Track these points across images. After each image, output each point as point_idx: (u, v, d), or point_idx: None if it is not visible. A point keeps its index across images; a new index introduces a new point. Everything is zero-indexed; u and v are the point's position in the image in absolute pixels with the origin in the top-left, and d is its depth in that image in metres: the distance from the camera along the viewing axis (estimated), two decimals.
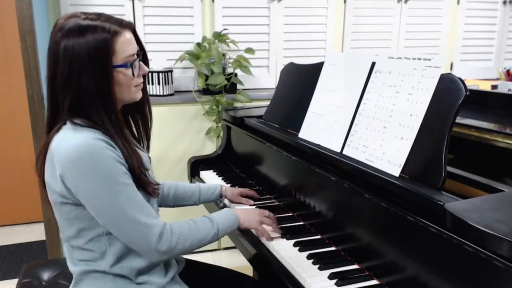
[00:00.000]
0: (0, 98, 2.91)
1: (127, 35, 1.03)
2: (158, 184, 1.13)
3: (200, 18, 2.53)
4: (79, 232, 1.04)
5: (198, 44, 2.47)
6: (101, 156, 0.96)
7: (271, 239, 1.24)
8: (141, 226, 0.99)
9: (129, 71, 1.03)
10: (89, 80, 0.97)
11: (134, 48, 1.05)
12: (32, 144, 2.20)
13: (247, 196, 1.52)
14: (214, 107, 2.44)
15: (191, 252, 1.10)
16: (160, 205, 1.33)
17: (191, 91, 2.50)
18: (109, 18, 1.01)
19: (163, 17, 2.46)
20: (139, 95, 1.10)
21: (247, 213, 1.24)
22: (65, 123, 1.01)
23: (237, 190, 1.52)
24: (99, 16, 1.01)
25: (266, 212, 1.28)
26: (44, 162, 1.03)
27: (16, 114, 2.95)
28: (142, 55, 1.10)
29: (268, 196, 1.57)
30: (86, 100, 0.99)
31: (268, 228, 1.26)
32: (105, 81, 0.99)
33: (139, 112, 1.20)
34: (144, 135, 1.22)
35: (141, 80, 1.09)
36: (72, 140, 0.96)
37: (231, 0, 2.56)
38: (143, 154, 1.13)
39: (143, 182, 1.05)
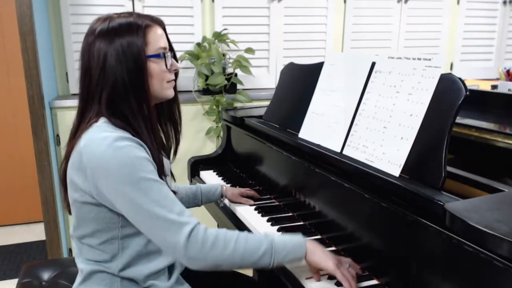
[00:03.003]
0: (0, 98, 2.91)
1: (159, 30, 1.07)
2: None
3: (200, 18, 2.53)
4: (94, 233, 1.04)
5: (198, 44, 2.48)
6: (130, 155, 0.96)
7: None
8: (169, 223, 0.94)
9: (162, 62, 1.05)
10: (123, 71, 1.00)
11: (165, 43, 1.08)
12: (32, 144, 2.20)
13: (247, 196, 1.52)
14: (214, 107, 2.44)
15: (233, 269, 0.96)
16: None
17: (191, 91, 2.50)
18: (140, 15, 1.06)
19: (163, 17, 2.42)
20: (171, 93, 1.11)
21: (322, 249, 1.03)
22: (96, 121, 1.02)
23: (237, 190, 1.53)
24: (131, 14, 1.05)
25: (345, 261, 1.02)
26: (69, 158, 1.03)
27: (16, 114, 2.95)
28: (173, 55, 1.12)
29: (268, 196, 1.57)
30: (120, 93, 1.01)
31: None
32: (138, 71, 1.01)
33: (171, 119, 1.21)
34: (174, 141, 1.24)
35: (173, 77, 1.11)
36: (101, 140, 0.97)
37: (231, 0, 2.56)
38: (165, 159, 1.15)
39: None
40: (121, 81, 1.00)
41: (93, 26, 1.04)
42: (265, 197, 1.57)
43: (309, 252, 1.01)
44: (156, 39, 1.04)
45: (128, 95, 1.01)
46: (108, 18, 1.03)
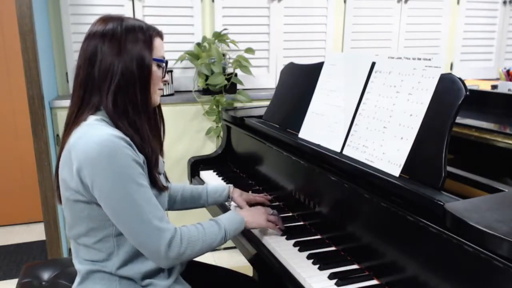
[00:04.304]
0: (0, 98, 2.91)
1: (161, 41, 1.12)
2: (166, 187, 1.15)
3: (200, 18, 2.53)
4: (88, 231, 1.05)
5: (198, 44, 2.48)
6: (120, 154, 0.97)
7: (281, 231, 1.27)
8: (153, 229, 0.99)
9: (160, 69, 1.10)
10: (133, 64, 1.03)
11: (163, 53, 1.13)
12: (32, 144, 2.20)
13: (257, 203, 1.45)
14: (214, 107, 2.44)
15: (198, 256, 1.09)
16: (167, 209, 1.33)
17: (191, 91, 2.51)
18: (146, 24, 1.11)
19: (163, 17, 2.46)
20: (158, 100, 1.15)
21: (252, 213, 1.25)
22: (85, 120, 1.03)
23: (245, 195, 1.46)
24: (137, 19, 1.10)
25: (269, 209, 1.30)
26: (60, 158, 1.05)
27: (16, 114, 2.95)
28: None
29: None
30: (128, 85, 1.03)
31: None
32: (145, 68, 1.05)
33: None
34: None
35: (162, 86, 1.15)
36: (92, 137, 0.98)
37: (231, 0, 2.56)
38: (160, 158, 1.16)
39: (154, 175, 1.07)
40: (130, 73, 1.03)
41: (105, 23, 1.05)
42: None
43: (248, 224, 1.21)
44: (159, 48, 1.10)
45: (135, 89, 1.04)
46: (120, 18, 1.07)
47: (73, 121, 1.05)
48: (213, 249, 1.11)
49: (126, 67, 1.03)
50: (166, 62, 1.14)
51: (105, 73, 1.02)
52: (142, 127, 1.05)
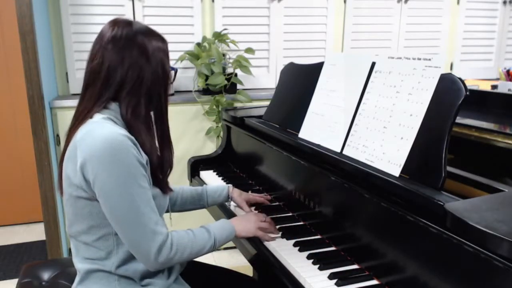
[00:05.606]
0: (0, 98, 2.91)
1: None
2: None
3: (200, 18, 2.53)
4: (89, 229, 1.05)
5: (198, 44, 2.47)
6: (125, 153, 0.97)
7: (273, 239, 1.25)
8: (148, 231, 0.99)
9: (170, 75, 1.15)
10: (158, 66, 1.07)
11: None
12: (32, 144, 2.20)
13: (256, 203, 1.47)
14: (214, 107, 2.44)
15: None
16: (167, 211, 1.33)
17: (191, 91, 2.50)
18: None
19: (163, 17, 2.46)
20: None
21: (243, 221, 1.25)
22: (91, 117, 1.03)
23: (244, 195, 1.46)
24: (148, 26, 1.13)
25: (262, 216, 1.29)
26: (65, 154, 1.05)
27: (16, 114, 2.95)
28: None
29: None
30: (159, 85, 1.07)
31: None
32: (167, 71, 1.09)
33: None
34: None
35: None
36: (98, 134, 0.98)
37: (231, 0, 2.56)
38: None
39: (164, 179, 1.10)
40: (157, 79, 1.06)
41: (127, 26, 1.07)
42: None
43: (238, 233, 1.22)
44: (168, 55, 1.13)
45: (160, 94, 1.07)
46: (138, 22, 1.09)
47: (83, 118, 1.05)
48: (201, 256, 1.13)
49: (154, 73, 1.05)
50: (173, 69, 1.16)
51: (132, 79, 1.03)
52: (163, 130, 1.09)
